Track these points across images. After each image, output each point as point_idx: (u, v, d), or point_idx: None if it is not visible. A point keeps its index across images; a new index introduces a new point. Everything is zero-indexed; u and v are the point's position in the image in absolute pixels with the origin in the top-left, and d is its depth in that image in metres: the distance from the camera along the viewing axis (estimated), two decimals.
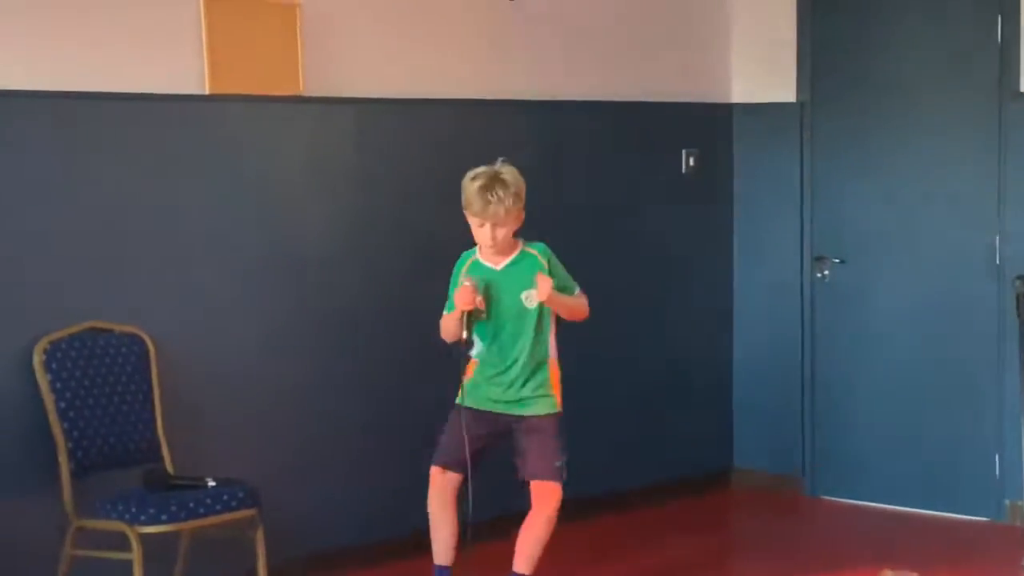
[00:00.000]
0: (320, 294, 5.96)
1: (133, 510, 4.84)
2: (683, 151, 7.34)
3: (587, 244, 6.72)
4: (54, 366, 5.05)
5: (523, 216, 5.26)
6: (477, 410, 5.28)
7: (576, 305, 5.36)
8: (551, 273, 5.28)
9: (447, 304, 5.31)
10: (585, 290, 5.37)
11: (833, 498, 7.33)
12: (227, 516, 5.00)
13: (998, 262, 6.78)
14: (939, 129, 6.99)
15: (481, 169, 5.24)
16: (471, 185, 5.21)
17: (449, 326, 5.28)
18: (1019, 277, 6.37)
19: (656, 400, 7.26)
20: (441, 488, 5.30)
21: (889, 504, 7.13)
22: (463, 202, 5.23)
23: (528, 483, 5.31)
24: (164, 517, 4.84)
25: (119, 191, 5.33)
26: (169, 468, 5.22)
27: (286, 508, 5.56)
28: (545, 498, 5.29)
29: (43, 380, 5.02)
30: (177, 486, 5.04)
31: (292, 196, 5.87)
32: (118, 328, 5.26)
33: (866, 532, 6.83)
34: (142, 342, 5.29)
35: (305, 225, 5.92)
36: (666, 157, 7.30)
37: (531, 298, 5.27)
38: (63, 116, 5.20)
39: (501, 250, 5.27)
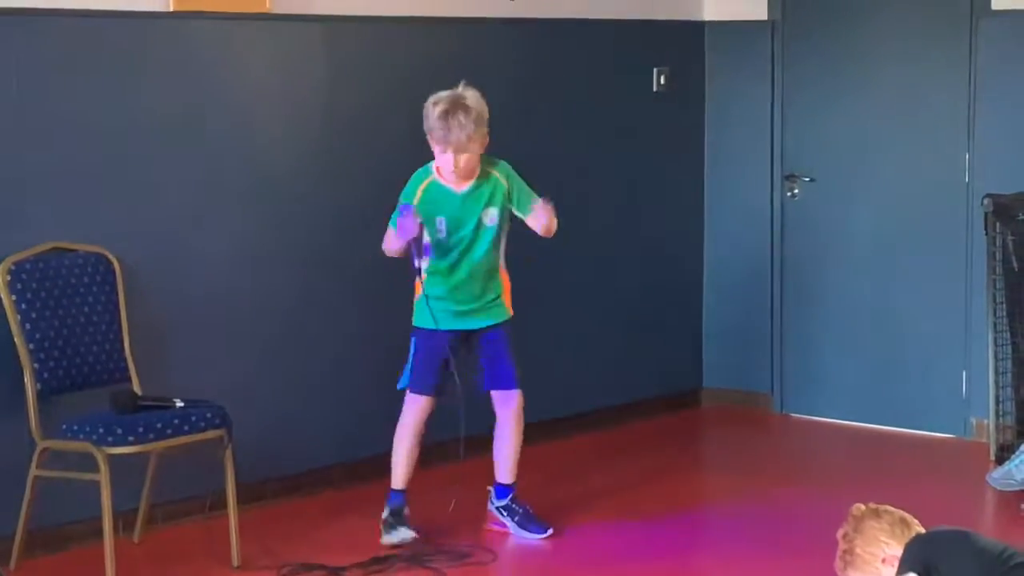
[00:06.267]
0: (289, 214, 5.90)
1: (100, 431, 4.82)
2: (654, 70, 7.30)
3: (557, 166, 6.68)
4: (19, 287, 5.01)
5: (488, 139, 5.23)
6: (445, 330, 5.29)
7: (553, 219, 5.37)
8: (512, 190, 5.31)
9: (392, 219, 5.27)
10: (548, 198, 5.34)
11: (802, 415, 7.38)
12: (195, 437, 4.97)
13: (967, 180, 6.78)
14: (911, 47, 6.95)
15: (444, 93, 5.21)
16: (433, 110, 5.18)
17: (394, 246, 5.27)
18: (988, 195, 6.36)
19: (627, 321, 7.25)
20: (425, 415, 5.35)
21: (858, 422, 7.17)
22: (425, 126, 5.21)
23: (489, 393, 5.40)
24: (131, 438, 4.82)
25: (82, 110, 5.27)
26: (137, 389, 5.20)
27: (256, 429, 5.54)
28: (510, 405, 5.39)
29: (7, 301, 4.98)
30: (145, 407, 5.02)
31: (259, 115, 5.81)
32: (83, 248, 5.22)
33: (835, 448, 6.87)
34: (107, 262, 5.25)
35: (273, 143, 5.85)
36: (637, 76, 7.25)
37: (491, 216, 5.28)
38: (23, 34, 5.11)
39: (465, 174, 5.25)
